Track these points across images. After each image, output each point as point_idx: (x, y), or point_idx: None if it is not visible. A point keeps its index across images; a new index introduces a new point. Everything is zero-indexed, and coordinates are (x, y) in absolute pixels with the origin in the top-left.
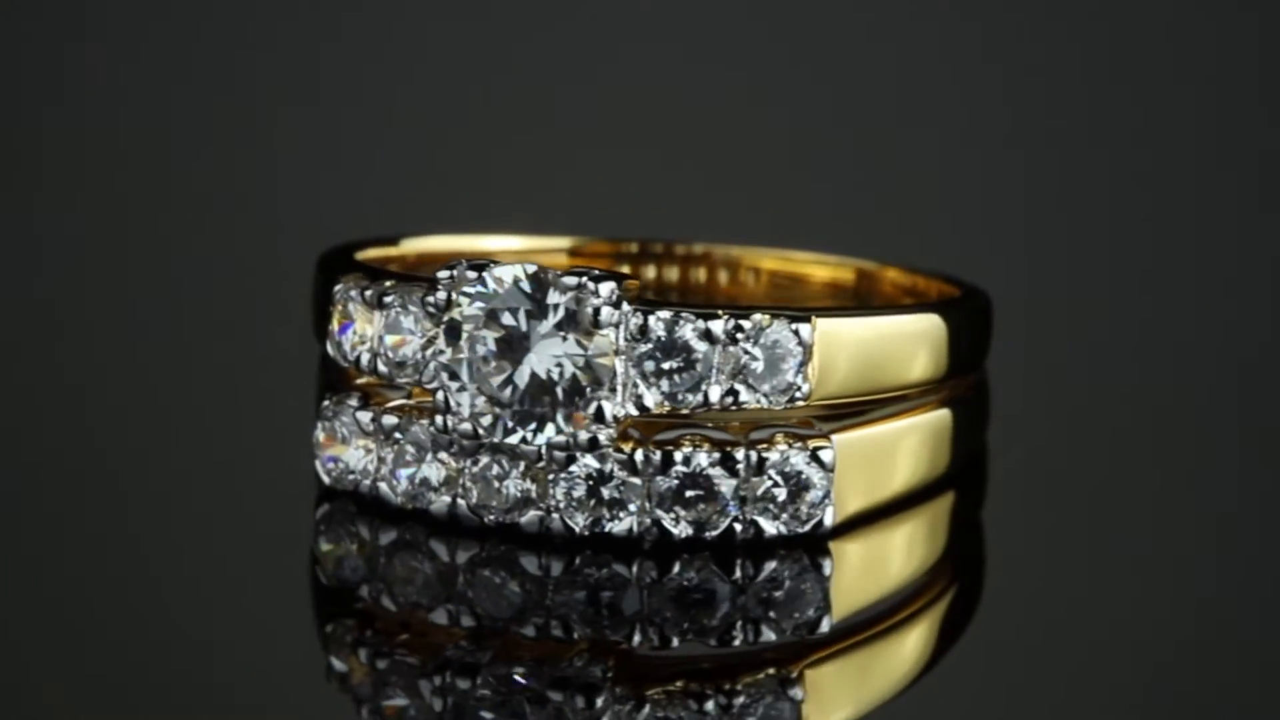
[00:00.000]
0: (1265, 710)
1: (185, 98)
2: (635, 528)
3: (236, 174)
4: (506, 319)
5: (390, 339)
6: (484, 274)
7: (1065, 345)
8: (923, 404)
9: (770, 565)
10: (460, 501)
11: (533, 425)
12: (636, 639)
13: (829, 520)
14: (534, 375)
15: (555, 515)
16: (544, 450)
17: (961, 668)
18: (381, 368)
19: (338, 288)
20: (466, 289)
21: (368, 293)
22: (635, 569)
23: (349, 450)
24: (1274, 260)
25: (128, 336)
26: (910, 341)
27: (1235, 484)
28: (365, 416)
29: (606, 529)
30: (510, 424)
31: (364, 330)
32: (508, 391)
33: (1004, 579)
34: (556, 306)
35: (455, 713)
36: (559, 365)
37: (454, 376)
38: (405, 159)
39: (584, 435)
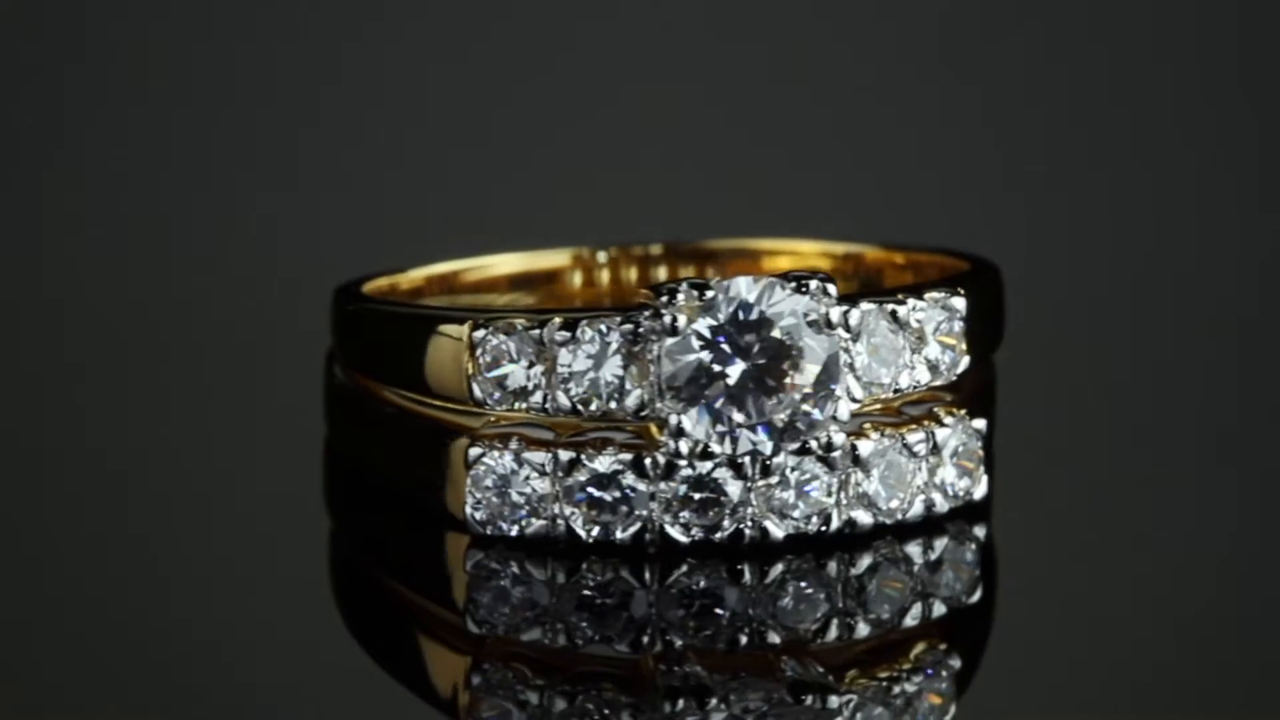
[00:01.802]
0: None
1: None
2: (836, 519)
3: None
4: (750, 335)
5: (580, 369)
6: (717, 291)
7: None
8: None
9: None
10: (658, 524)
11: (780, 434)
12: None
13: (981, 491)
14: (781, 383)
15: (755, 523)
16: (782, 458)
17: None
18: (563, 401)
19: (480, 333)
20: (713, 307)
21: (536, 332)
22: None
23: (514, 492)
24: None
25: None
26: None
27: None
28: (538, 456)
29: (826, 527)
30: (758, 435)
31: (525, 369)
32: (767, 403)
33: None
34: (795, 313)
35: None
36: (800, 369)
37: (691, 398)
38: (379, 186)
39: (832, 437)
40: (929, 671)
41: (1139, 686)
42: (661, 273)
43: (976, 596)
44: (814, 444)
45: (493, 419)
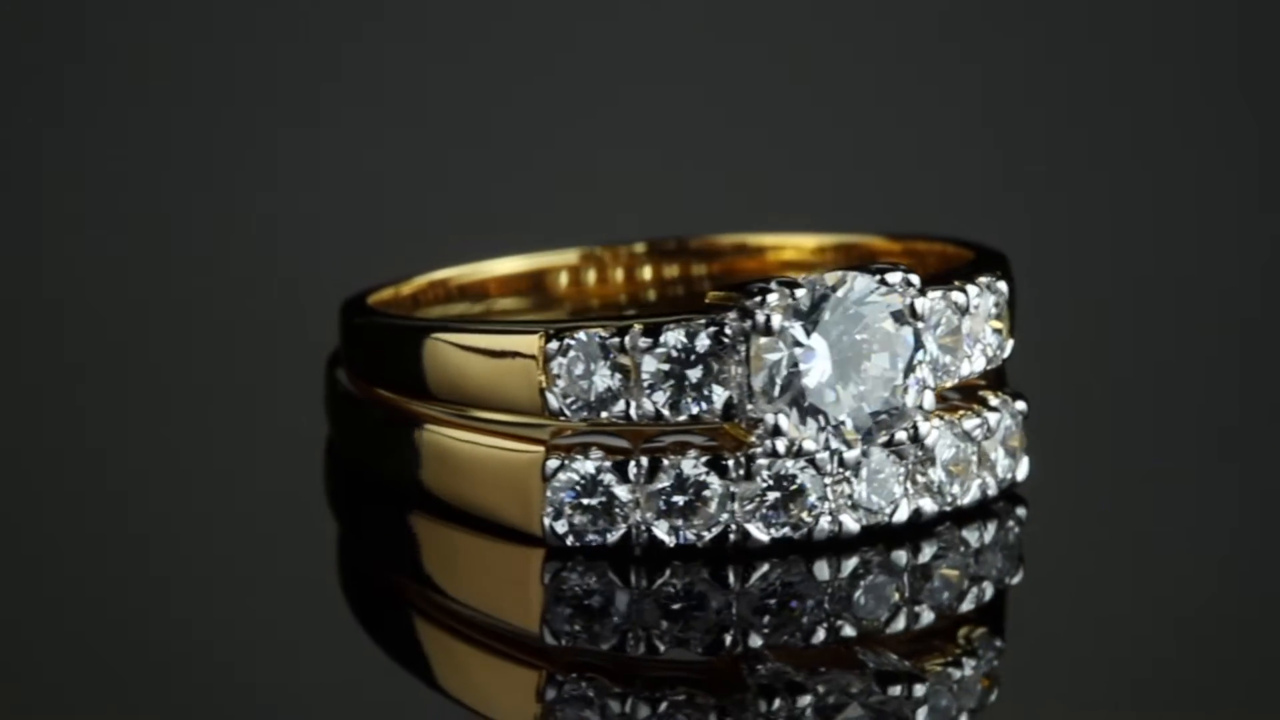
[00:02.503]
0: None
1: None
2: (924, 506)
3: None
4: (840, 330)
5: (666, 374)
6: (806, 288)
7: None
8: None
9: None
10: (742, 525)
11: (870, 428)
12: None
13: (1024, 472)
14: (870, 376)
15: (849, 514)
16: (857, 451)
17: None
18: (648, 407)
19: (554, 344)
20: (802, 305)
21: (616, 340)
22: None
23: (595, 501)
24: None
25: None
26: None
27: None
28: (619, 464)
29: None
30: (849, 430)
31: (608, 378)
32: (858, 397)
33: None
34: (880, 306)
35: None
36: (888, 362)
37: (790, 398)
38: (379, 186)
39: (918, 427)
40: (979, 655)
41: (1142, 680)
42: (672, 270)
43: (1019, 578)
44: (902, 435)
45: (560, 430)
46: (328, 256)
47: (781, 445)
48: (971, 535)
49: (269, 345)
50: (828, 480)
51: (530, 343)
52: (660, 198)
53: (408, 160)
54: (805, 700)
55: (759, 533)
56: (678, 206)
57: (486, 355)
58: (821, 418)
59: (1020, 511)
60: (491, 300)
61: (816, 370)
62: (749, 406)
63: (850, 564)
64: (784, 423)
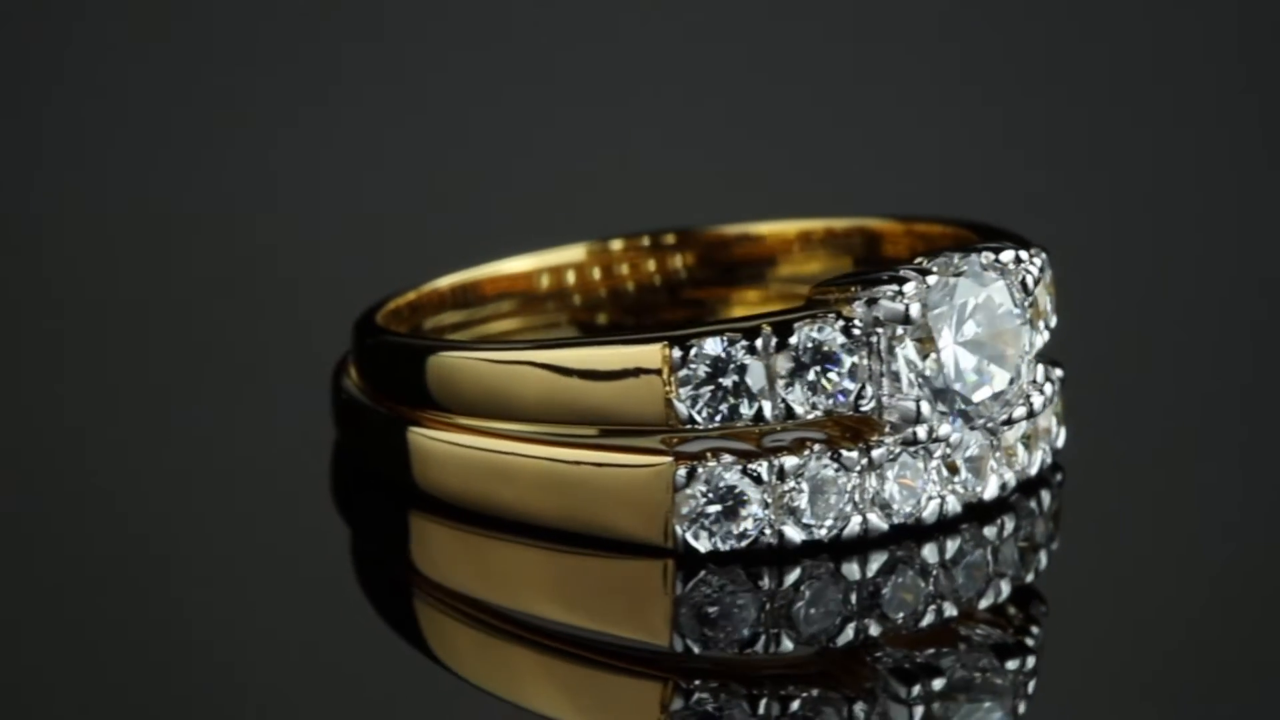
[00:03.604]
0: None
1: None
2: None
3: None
4: (978, 318)
5: (816, 375)
6: (940, 273)
7: None
8: None
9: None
10: (870, 517)
11: (997, 409)
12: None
13: (1062, 440)
14: (998, 358)
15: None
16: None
17: None
18: (786, 407)
19: (678, 352)
20: (935, 293)
21: (744, 342)
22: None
23: (729, 505)
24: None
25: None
26: None
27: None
28: (761, 468)
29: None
30: (981, 413)
31: (738, 382)
32: (990, 379)
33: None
34: (1003, 288)
35: None
36: (1013, 344)
37: (935, 388)
38: (379, 186)
39: (1032, 403)
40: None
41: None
42: (676, 260)
43: (1031, 577)
44: (1020, 411)
45: (676, 439)
46: (327, 257)
47: (923, 432)
48: (1034, 505)
49: (275, 348)
50: (933, 465)
51: (653, 354)
52: (654, 192)
53: (408, 159)
54: (939, 682)
55: (879, 521)
56: (678, 202)
57: (594, 374)
58: (959, 400)
59: (1037, 504)
60: (509, 300)
61: (949, 355)
62: (884, 396)
63: (953, 545)
64: (925, 409)
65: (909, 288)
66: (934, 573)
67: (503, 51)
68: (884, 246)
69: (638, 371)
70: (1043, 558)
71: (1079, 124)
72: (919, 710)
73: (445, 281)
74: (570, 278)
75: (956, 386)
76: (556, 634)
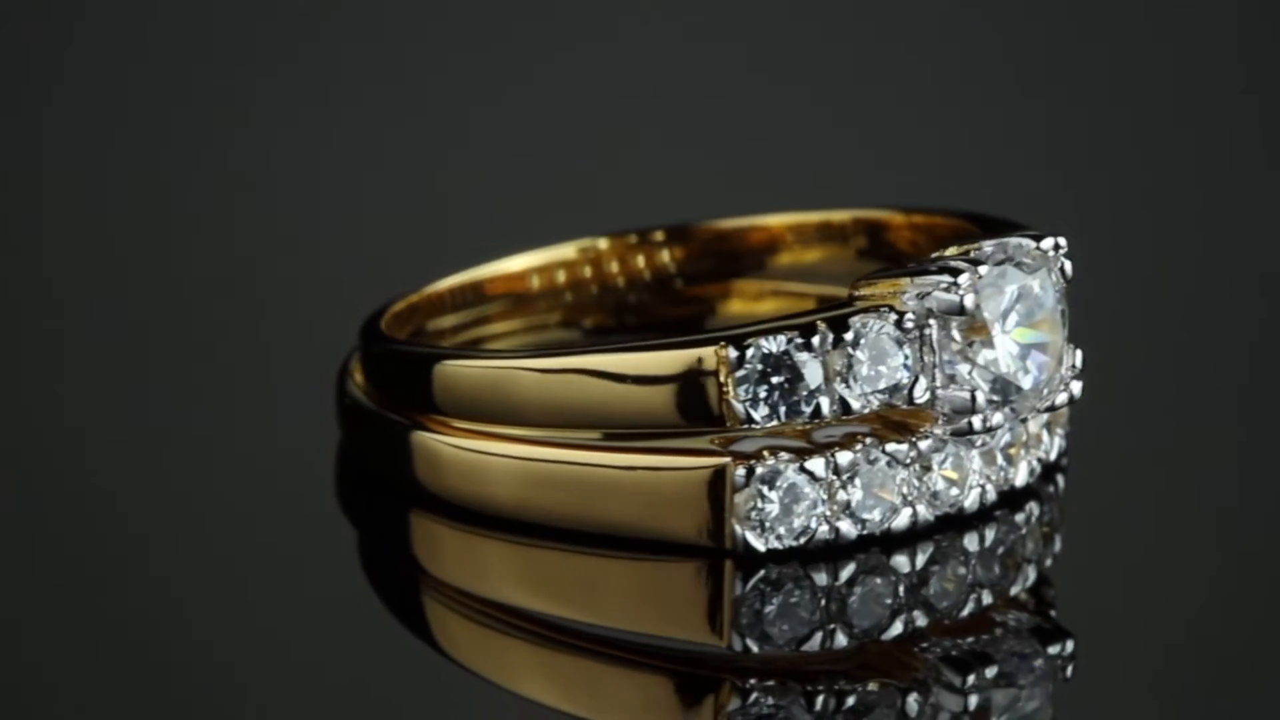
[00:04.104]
0: None
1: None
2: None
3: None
4: (1025, 304)
5: (871, 369)
6: (989, 262)
7: None
8: None
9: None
10: (919, 508)
11: (1044, 395)
12: None
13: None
14: (1055, 338)
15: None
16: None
17: None
18: (845, 402)
19: (734, 352)
20: (997, 280)
21: (800, 339)
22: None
23: (789, 503)
24: None
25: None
26: None
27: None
28: (817, 464)
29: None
30: (1040, 395)
31: (797, 379)
32: (1040, 366)
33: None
34: (1046, 273)
35: None
36: (1059, 328)
37: (1001, 382)
38: (378, 186)
39: (1071, 389)
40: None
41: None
42: (664, 255)
43: (1050, 561)
44: (1063, 398)
45: (719, 440)
46: (327, 257)
47: (978, 422)
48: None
49: (281, 351)
50: (975, 453)
51: (709, 355)
52: (654, 190)
53: (408, 159)
54: (992, 669)
55: (927, 512)
56: (678, 200)
57: (648, 379)
58: (1014, 390)
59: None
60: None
61: (1001, 344)
62: (937, 388)
63: (991, 534)
64: (980, 399)
65: (964, 279)
66: (973, 561)
67: (502, 51)
68: (886, 236)
69: (695, 373)
70: (1058, 542)
71: (1079, 122)
72: (974, 699)
73: (447, 283)
74: (578, 274)
75: (1008, 376)
76: (595, 637)
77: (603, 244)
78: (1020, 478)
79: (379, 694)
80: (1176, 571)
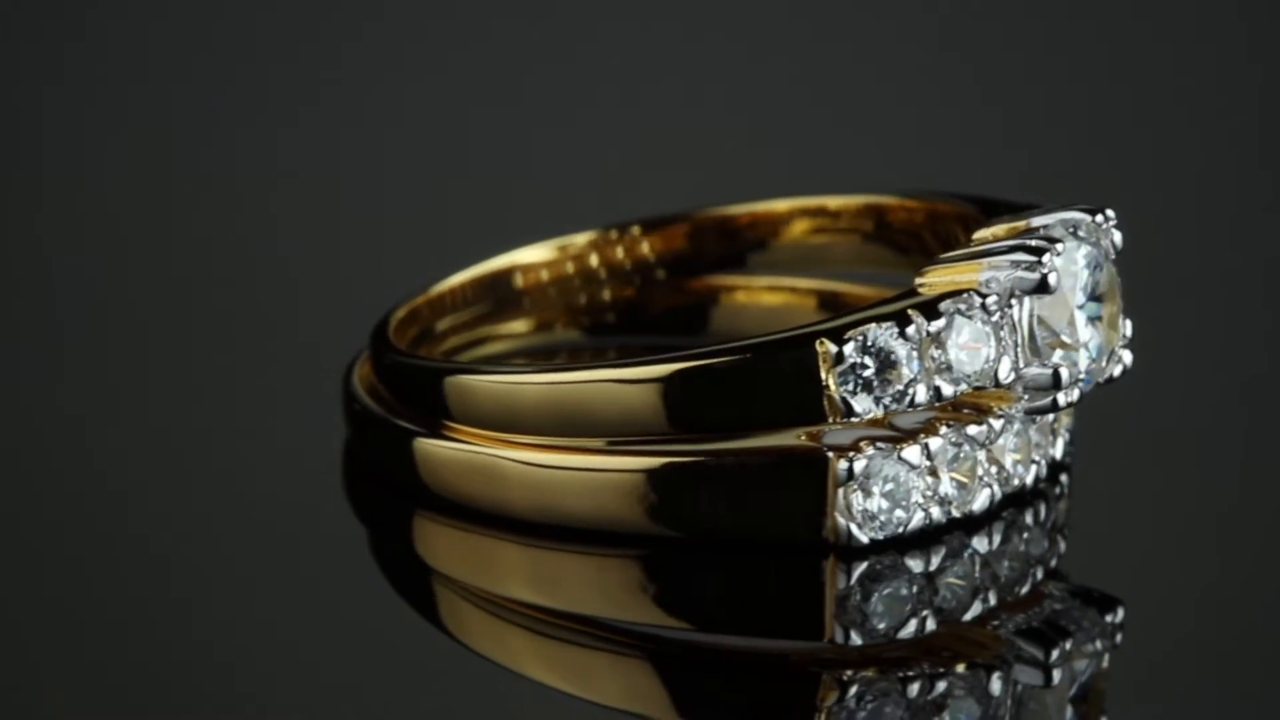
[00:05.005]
0: None
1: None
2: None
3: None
4: (1099, 273)
5: (964, 352)
6: (1062, 239)
7: None
8: None
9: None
10: (995, 489)
11: (1112, 364)
12: None
13: None
14: (1114, 311)
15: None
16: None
17: None
18: (944, 389)
19: (834, 346)
20: (1075, 254)
21: (896, 327)
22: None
23: (890, 491)
24: None
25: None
26: None
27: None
28: (913, 453)
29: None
30: (1102, 368)
31: (899, 368)
32: (1106, 341)
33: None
34: (1105, 246)
35: None
36: (1115, 301)
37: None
38: (380, 184)
39: (1124, 360)
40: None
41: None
42: (661, 242)
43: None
44: (1117, 370)
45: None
46: (327, 258)
47: (1061, 399)
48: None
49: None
50: (1033, 429)
51: (809, 350)
52: (653, 188)
53: (407, 159)
54: (1068, 641)
55: (999, 491)
56: (679, 197)
57: (751, 372)
58: (1088, 364)
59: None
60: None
61: (1079, 320)
62: (1021, 367)
63: (1043, 508)
64: (1065, 375)
65: (1048, 257)
66: (1029, 536)
67: (502, 50)
68: (889, 219)
69: (797, 368)
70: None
71: (1079, 121)
72: (1057, 673)
73: (449, 282)
74: (581, 266)
75: (1088, 350)
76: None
77: (611, 234)
78: (1059, 452)
79: (391, 676)
80: (1180, 570)
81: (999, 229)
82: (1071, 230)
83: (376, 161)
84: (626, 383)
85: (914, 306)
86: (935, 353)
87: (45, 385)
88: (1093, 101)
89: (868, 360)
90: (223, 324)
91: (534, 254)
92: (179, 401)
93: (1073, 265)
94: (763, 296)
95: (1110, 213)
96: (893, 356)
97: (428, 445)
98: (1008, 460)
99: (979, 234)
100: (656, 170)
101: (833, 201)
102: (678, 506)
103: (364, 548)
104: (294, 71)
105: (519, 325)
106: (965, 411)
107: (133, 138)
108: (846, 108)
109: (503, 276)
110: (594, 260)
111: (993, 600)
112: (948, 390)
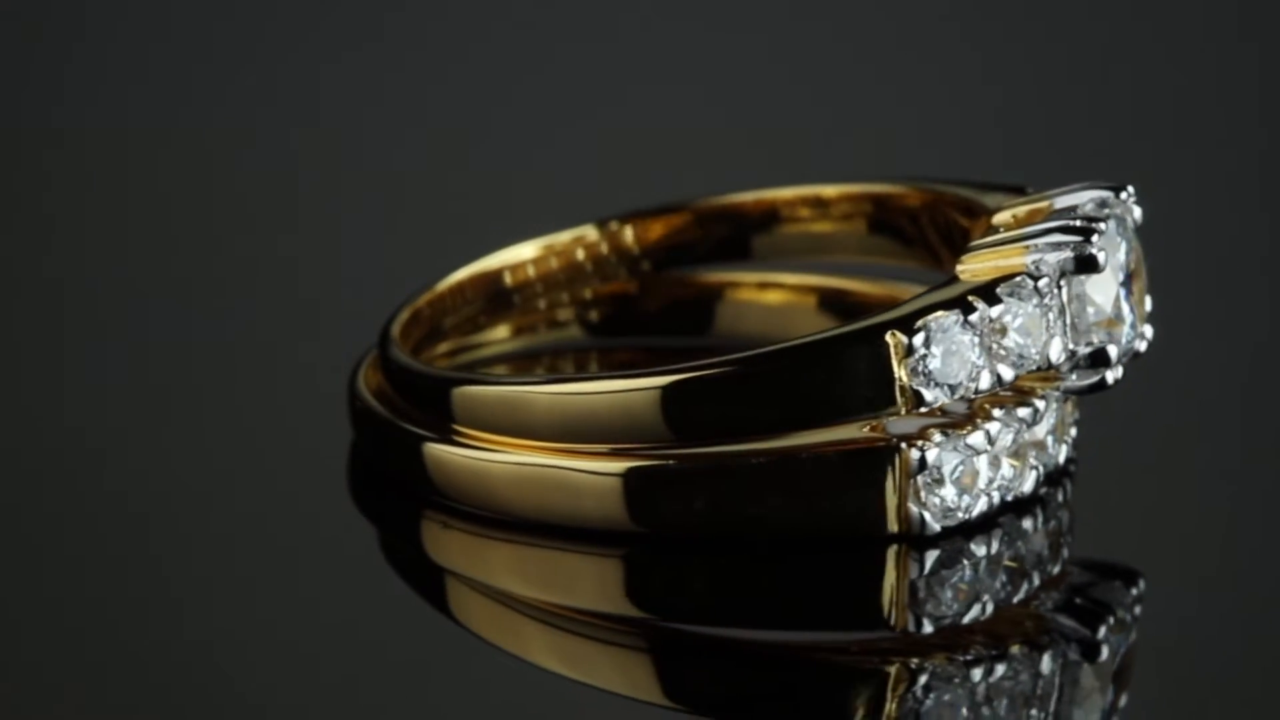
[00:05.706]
0: None
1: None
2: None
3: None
4: (1131, 249)
5: (1022, 337)
6: (1101, 218)
7: None
8: None
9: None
10: (1039, 470)
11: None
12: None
13: None
14: (1143, 287)
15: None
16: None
17: None
18: (1007, 375)
19: (904, 339)
20: (1110, 235)
21: (959, 315)
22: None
23: (959, 478)
24: None
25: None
26: None
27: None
28: (978, 438)
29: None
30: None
31: (965, 357)
32: (1142, 310)
33: None
34: (1128, 223)
35: None
36: (1142, 278)
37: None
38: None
39: (1147, 337)
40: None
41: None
42: (664, 228)
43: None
44: (1142, 345)
45: (873, 426)
46: (329, 256)
47: (1111, 377)
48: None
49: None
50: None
51: (879, 340)
52: (652, 184)
53: (408, 159)
54: (1111, 618)
55: (1043, 472)
56: (676, 192)
57: (821, 367)
58: (1130, 341)
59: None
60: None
61: (1124, 300)
62: (1072, 347)
63: (1071, 487)
64: (1113, 353)
65: (1096, 237)
66: (1060, 515)
67: (501, 49)
68: (892, 204)
69: (871, 359)
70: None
71: (1078, 118)
72: (1105, 649)
73: (451, 281)
74: (583, 260)
75: (1129, 325)
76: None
77: (613, 225)
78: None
79: (400, 664)
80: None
81: (1019, 211)
82: (1108, 211)
83: (377, 162)
84: (684, 380)
85: (973, 292)
86: (997, 338)
87: (48, 385)
88: (1091, 94)
89: (934, 350)
90: (224, 324)
91: (533, 249)
92: (168, 404)
93: (1113, 243)
94: (764, 295)
95: (1131, 189)
96: (959, 344)
97: (438, 450)
98: (1049, 441)
99: (999, 218)
100: (656, 170)
101: (829, 190)
102: (731, 506)
103: (374, 547)
104: (295, 71)
105: (520, 322)
106: (1007, 394)
107: (133, 138)
108: (846, 108)
109: (501, 274)
110: (598, 252)
111: (1036, 581)
112: (1008, 375)
